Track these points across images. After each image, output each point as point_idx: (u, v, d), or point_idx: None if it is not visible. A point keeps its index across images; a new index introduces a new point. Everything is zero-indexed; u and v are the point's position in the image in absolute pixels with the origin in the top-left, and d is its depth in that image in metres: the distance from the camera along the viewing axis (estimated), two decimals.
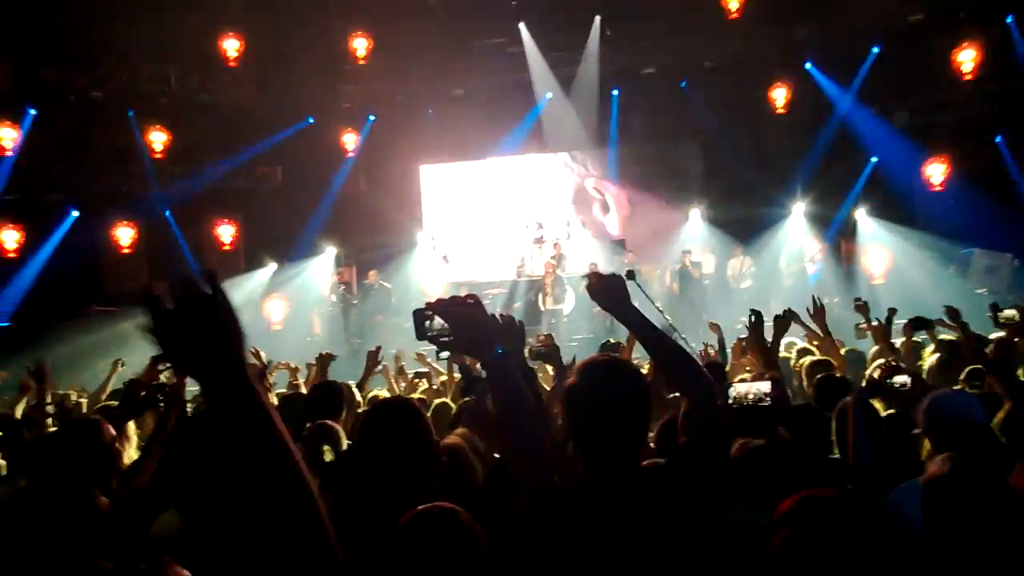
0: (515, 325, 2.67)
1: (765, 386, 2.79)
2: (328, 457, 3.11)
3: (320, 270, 15.52)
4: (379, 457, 2.25)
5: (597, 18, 15.02)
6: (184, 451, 2.81)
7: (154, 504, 2.81)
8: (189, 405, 4.20)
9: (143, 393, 3.84)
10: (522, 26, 15.26)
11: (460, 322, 1.72)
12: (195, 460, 2.59)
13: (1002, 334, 5.03)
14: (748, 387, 2.80)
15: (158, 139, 14.59)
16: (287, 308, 15.01)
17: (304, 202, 15.67)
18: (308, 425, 3.51)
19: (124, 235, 14.65)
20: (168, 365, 4.89)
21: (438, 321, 1.73)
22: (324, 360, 5.93)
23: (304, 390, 6.16)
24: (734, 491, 2.31)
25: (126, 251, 14.74)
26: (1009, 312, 5.02)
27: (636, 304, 2.30)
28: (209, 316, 1.22)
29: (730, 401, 2.78)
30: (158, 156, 14.66)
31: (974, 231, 12.96)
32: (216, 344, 1.22)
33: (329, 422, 3.44)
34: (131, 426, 3.95)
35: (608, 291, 2.30)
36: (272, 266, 15.31)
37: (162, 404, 4.00)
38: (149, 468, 3.39)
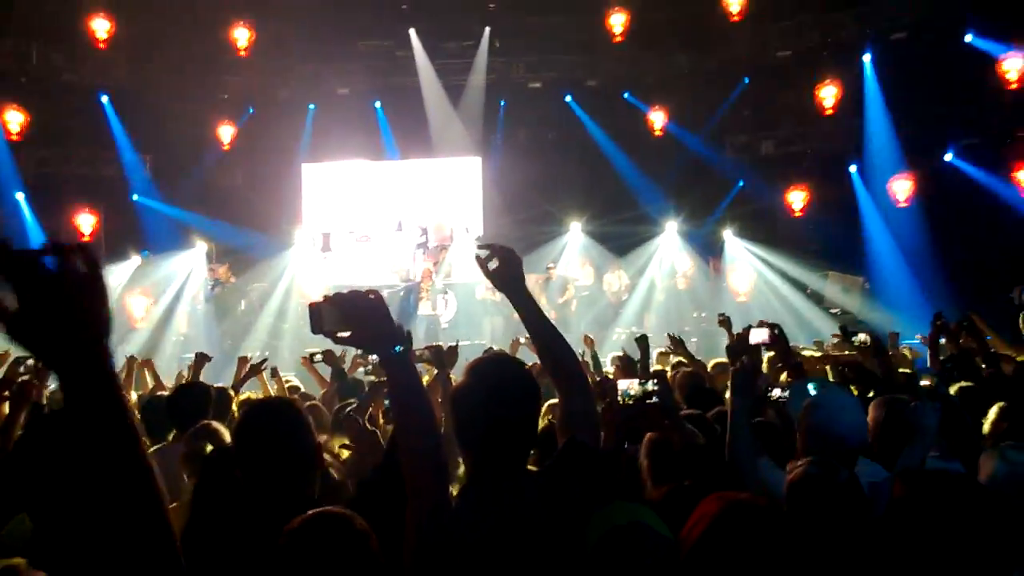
0: (401, 328, 2.64)
1: (650, 383, 2.89)
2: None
3: (187, 265, 14.79)
4: (257, 458, 2.16)
5: (487, 29, 15.18)
6: (35, 451, 2.63)
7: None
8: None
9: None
10: (412, 32, 15.21)
11: (360, 317, 1.66)
12: (46, 461, 2.43)
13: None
14: (634, 384, 2.90)
15: (14, 119, 13.52)
16: (151, 304, 14.20)
17: (174, 193, 14.93)
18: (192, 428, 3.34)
19: None
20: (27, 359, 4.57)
21: (335, 315, 1.67)
22: (200, 360, 5.60)
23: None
24: (615, 491, 2.35)
25: None
26: (862, 336, 5.39)
27: None
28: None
29: (619, 397, 2.85)
30: (13, 137, 13.58)
31: (830, 254, 13.94)
32: (73, 321, 1.10)
33: (214, 423, 3.30)
34: None
35: (507, 270, 2.29)
36: (135, 259, 14.45)
37: (7, 402, 3.75)
38: None
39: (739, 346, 3.43)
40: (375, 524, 1.78)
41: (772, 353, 4.36)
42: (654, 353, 5.94)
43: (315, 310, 1.69)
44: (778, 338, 3.78)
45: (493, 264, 2.33)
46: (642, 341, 5.08)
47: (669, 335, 4.89)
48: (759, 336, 3.61)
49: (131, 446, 1.15)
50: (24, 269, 1.07)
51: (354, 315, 1.67)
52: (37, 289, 1.07)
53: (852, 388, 4.27)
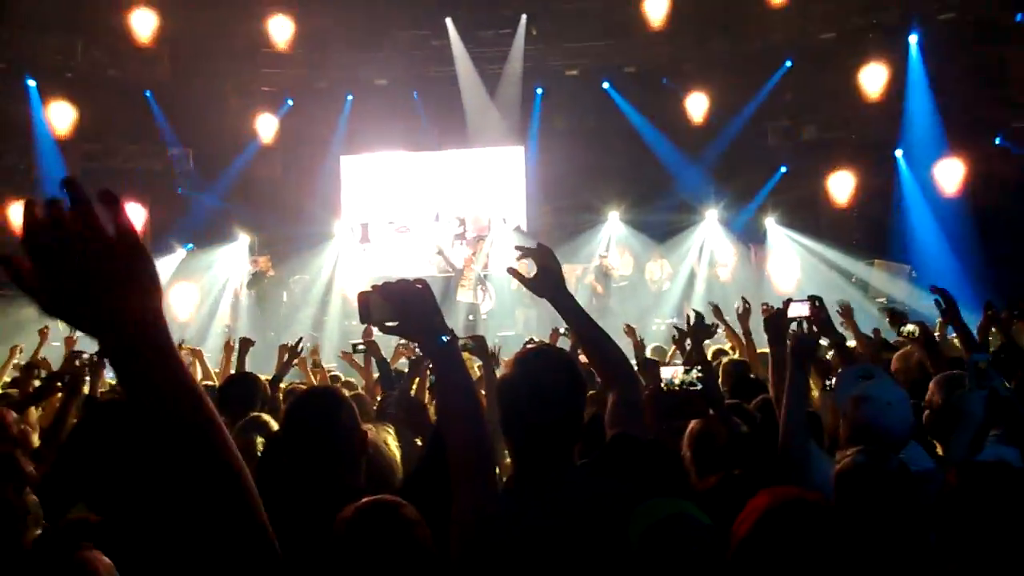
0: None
1: (694, 370, 2.85)
2: (259, 451, 3.01)
3: (231, 258, 15.02)
4: (305, 448, 2.19)
5: (523, 17, 15.10)
6: (89, 441, 2.67)
7: (54, 497, 2.66)
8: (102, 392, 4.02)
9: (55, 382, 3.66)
10: (448, 21, 15.20)
11: (407, 306, 1.66)
12: (103, 450, 2.47)
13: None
14: (676, 371, 2.87)
15: (61, 114, 13.82)
16: (197, 297, 14.47)
17: (217, 186, 15.16)
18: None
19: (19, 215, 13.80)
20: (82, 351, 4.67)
21: (383, 305, 1.67)
22: (244, 345, 5.59)
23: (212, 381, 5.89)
24: (662, 484, 2.33)
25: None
26: (910, 327, 5.28)
27: None
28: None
29: (663, 385, 2.83)
30: (61, 133, 13.89)
31: (875, 242, 13.65)
32: (130, 292, 0.95)
33: (263, 415, 3.33)
34: (33, 413, 3.76)
35: (547, 278, 2.28)
36: (181, 252, 14.73)
37: (60, 392, 3.83)
38: (50, 457, 3.22)
39: (778, 320, 3.24)
40: (423, 515, 1.79)
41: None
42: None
43: (363, 300, 1.70)
44: (819, 311, 3.66)
45: (532, 270, 2.33)
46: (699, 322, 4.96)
47: (694, 310, 4.70)
48: (799, 310, 3.51)
49: (209, 427, 1.04)
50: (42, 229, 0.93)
51: (402, 305, 1.66)
52: (60, 252, 0.93)
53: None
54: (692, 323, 4.14)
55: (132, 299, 0.95)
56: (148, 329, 0.97)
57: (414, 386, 4.10)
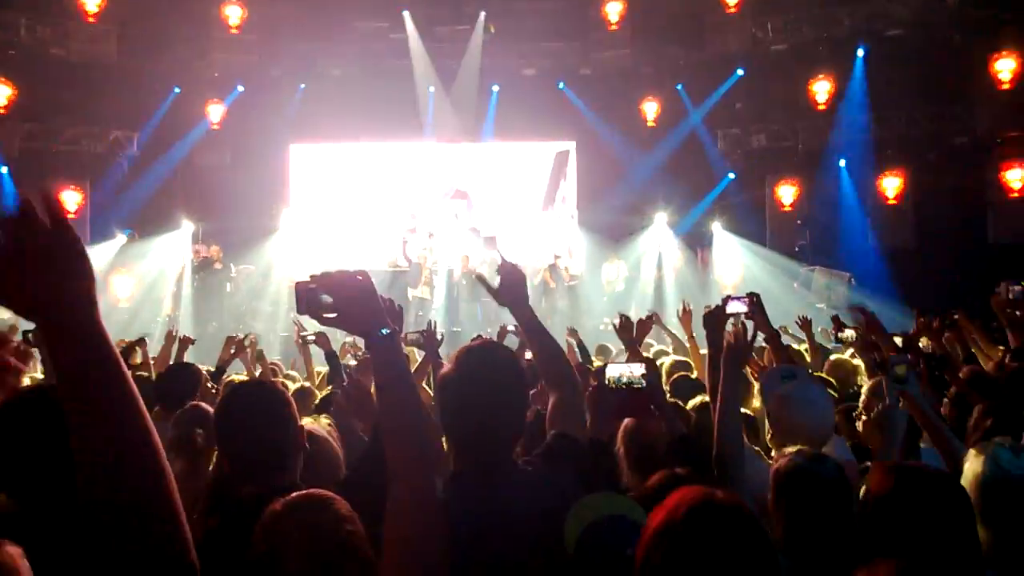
0: (395, 307, 2.61)
1: (638, 368, 2.87)
2: (200, 443, 2.94)
3: (174, 246, 14.66)
4: (237, 440, 2.14)
5: (482, 14, 15.07)
6: (11, 428, 2.58)
7: None
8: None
9: None
10: (406, 14, 15.09)
11: (347, 297, 1.63)
12: (24, 438, 2.38)
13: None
14: (621, 369, 2.88)
15: (1, 92, 13.33)
16: (136, 285, 14.07)
17: (161, 172, 14.78)
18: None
19: None
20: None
21: (321, 295, 1.63)
22: (184, 344, 5.54)
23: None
24: (601, 482, 2.35)
25: None
26: (848, 332, 5.42)
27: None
28: (53, 246, 1.07)
29: (606, 382, 2.84)
30: (0, 111, 13.40)
31: (817, 249, 14.00)
32: (62, 278, 1.06)
33: (203, 404, 3.25)
34: None
35: (511, 287, 2.35)
36: (120, 238, 14.31)
37: None
38: None
39: (716, 316, 3.25)
40: (361, 510, 1.76)
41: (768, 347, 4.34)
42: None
43: (302, 290, 1.65)
44: (757, 307, 3.71)
45: (496, 282, 2.39)
46: (624, 323, 5.01)
47: (619, 313, 4.77)
48: (737, 307, 3.55)
49: (136, 414, 1.08)
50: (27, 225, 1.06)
51: (341, 296, 1.63)
52: (40, 242, 1.06)
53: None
54: (618, 325, 4.20)
55: (65, 285, 1.06)
56: (79, 313, 1.06)
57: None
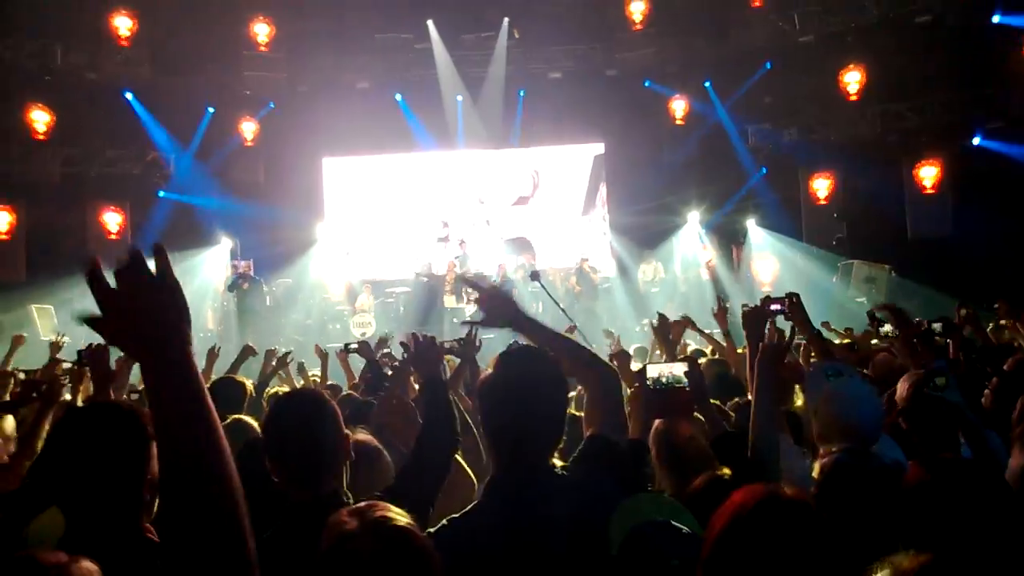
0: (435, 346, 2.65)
1: (679, 368, 2.85)
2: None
3: (213, 262, 14.92)
4: (288, 450, 2.17)
5: (506, 20, 15.12)
6: (68, 446, 2.64)
7: (29, 504, 2.63)
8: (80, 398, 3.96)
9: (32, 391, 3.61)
10: (430, 23, 15.20)
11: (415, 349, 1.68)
12: (80, 455, 2.44)
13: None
14: (661, 369, 2.86)
15: (40, 119, 13.71)
16: None
17: (198, 190, 15.07)
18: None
19: (1, 219, 13.72)
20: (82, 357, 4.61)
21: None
22: (244, 353, 5.65)
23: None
24: (640, 485, 2.34)
25: (3, 237, 13.78)
26: (887, 327, 5.32)
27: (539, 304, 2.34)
28: (159, 294, 1.19)
29: (648, 382, 2.82)
30: (40, 137, 13.77)
31: (856, 242, 13.77)
32: (166, 323, 1.19)
33: (245, 417, 3.31)
34: (9, 422, 3.70)
35: (498, 309, 2.33)
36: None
37: (37, 400, 3.77)
38: (21, 467, 3.17)
39: (756, 316, 3.22)
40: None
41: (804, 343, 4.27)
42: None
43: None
44: (796, 307, 3.65)
45: (480, 315, 2.40)
46: (662, 322, 5.00)
47: (658, 312, 4.73)
48: (776, 307, 3.49)
49: (214, 435, 1.19)
50: (139, 274, 1.19)
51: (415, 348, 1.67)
52: (148, 290, 1.20)
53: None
54: (656, 325, 4.16)
55: (168, 328, 1.20)
56: (176, 352, 1.20)
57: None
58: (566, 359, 2.27)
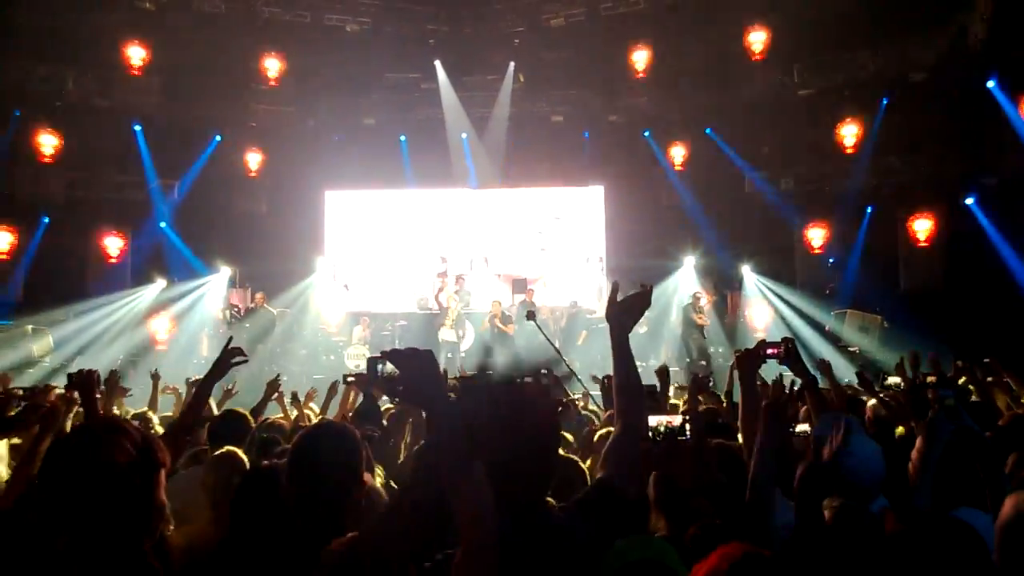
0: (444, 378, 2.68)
1: (675, 420, 2.88)
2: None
3: (212, 290, 14.98)
4: (315, 481, 2.20)
5: (511, 64, 15.41)
6: (61, 472, 2.67)
7: (16, 527, 2.65)
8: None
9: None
10: (437, 63, 15.48)
11: (413, 372, 1.70)
12: (88, 477, 2.47)
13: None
14: (660, 419, 2.89)
15: (48, 142, 13.87)
16: (173, 327, 14.35)
17: (201, 219, 15.19)
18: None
19: (2, 240, 13.80)
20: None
21: (389, 368, 1.74)
22: (271, 389, 5.72)
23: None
24: (634, 527, 2.36)
25: (3, 257, 13.85)
26: (894, 379, 5.34)
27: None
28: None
29: (649, 433, 2.84)
30: (47, 160, 13.91)
31: (848, 292, 13.89)
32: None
33: (233, 449, 3.37)
34: (2, 445, 3.72)
35: (630, 310, 2.35)
36: (160, 283, 14.68)
37: (36, 425, 3.80)
38: (14, 491, 3.19)
39: (749, 360, 3.22)
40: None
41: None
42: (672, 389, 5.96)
43: (372, 363, 1.78)
44: (791, 352, 3.58)
45: (620, 296, 2.38)
46: (662, 373, 5.10)
47: (694, 375, 4.81)
48: (770, 353, 3.42)
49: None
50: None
51: (407, 371, 1.70)
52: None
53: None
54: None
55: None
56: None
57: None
58: (623, 395, 2.27)
